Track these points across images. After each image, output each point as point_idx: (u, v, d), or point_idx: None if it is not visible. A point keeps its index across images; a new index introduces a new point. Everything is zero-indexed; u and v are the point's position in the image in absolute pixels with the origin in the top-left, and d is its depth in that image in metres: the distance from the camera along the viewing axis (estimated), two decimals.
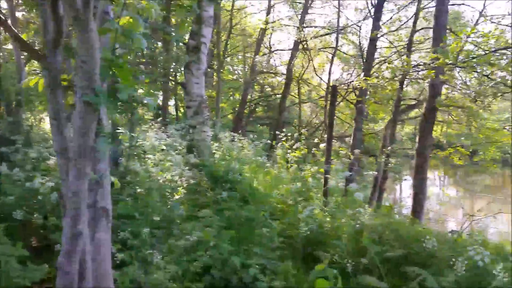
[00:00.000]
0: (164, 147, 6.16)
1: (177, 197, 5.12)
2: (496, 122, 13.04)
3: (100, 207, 2.15)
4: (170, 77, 15.77)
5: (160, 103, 15.86)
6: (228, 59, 20.13)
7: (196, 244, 3.44)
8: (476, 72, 8.16)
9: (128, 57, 2.05)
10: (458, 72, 9.56)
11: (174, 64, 15.38)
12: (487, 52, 6.61)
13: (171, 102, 18.30)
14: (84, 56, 1.74)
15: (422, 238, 3.59)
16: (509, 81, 7.85)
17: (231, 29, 16.37)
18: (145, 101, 2.10)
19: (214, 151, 7.03)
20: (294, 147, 7.06)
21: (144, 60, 9.00)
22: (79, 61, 1.75)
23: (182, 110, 15.73)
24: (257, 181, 6.96)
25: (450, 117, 12.90)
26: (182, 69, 9.29)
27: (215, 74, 14.22)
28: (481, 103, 6.91)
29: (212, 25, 7.15)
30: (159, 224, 3.94)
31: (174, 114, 16.88)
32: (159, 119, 9.14)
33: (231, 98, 19.79)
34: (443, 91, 11.60)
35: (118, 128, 4.88)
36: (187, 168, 5.55)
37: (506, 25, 12.03)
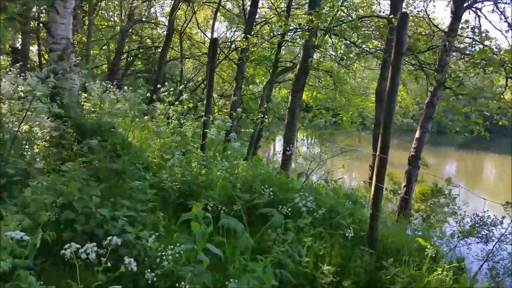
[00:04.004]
0: (22, 95, 5.40)
1: (37, 150, 4.66)
2: (356, 87, 14.73)
3: None
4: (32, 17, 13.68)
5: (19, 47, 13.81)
6: (103, 3, 18.26)
7: (59, 197, 3.18)
8: (344, 38, 8.95)
9: None
10: (330, 37, 10.39)
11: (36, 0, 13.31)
12: (355, 19, 7.31)
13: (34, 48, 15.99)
14: None
15: (285, 186, 3.93)
16: (372, 48, 8.82)
17: None
18: None
19: (82, 102, 6.40)
20: (177, 101, 6.86)
21: None
22: None
23: (47, 56, 13.92)
24: (133, 134, 6.64)
25: (319, 82, 14.07)
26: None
27: (85, 17, 12.73)
28: (345, 65, 7.66)
29: None
30: (12, 177, 3.53)
31: (37, 60, 14.85)
32: (17, 65, 7.88)
33: (106, 47, 18.10)
34: (316, 56, 12.48)
35: None
36: (49, 118, 4.97)
37: None
